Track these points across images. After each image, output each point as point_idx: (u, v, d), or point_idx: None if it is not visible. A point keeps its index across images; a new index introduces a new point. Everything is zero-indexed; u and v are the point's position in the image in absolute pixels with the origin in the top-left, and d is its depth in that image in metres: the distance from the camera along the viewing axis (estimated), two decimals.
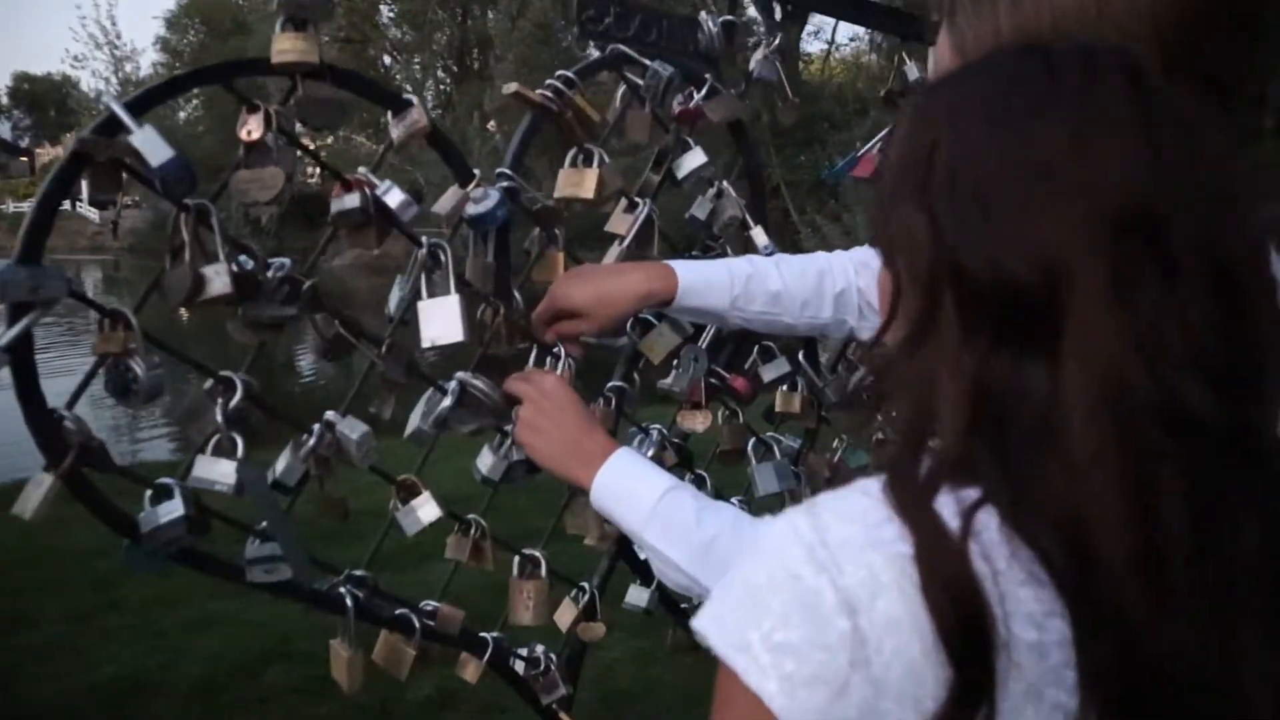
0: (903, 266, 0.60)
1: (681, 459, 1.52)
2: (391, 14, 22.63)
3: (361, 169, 1.13)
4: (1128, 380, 0.49)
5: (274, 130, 1.02)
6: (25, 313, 0.90)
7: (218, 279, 0.97)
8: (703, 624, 0.54)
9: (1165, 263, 0.50)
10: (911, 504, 0.52)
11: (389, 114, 1.15)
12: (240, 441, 1.03)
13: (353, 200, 1.09)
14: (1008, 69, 0.56)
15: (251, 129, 1.02)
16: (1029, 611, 0.49)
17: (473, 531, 1.30)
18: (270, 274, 1.05)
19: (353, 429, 1.10)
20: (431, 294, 1.15)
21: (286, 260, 1.08)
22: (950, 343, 0.55)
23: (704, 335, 1.50)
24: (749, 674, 0.50)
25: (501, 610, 1.36)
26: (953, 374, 0.55)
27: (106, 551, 3.80)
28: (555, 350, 1.22)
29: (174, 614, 3.54)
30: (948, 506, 0.52)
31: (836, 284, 1.20)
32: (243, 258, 1.03)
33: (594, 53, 1.33)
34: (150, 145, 0.92)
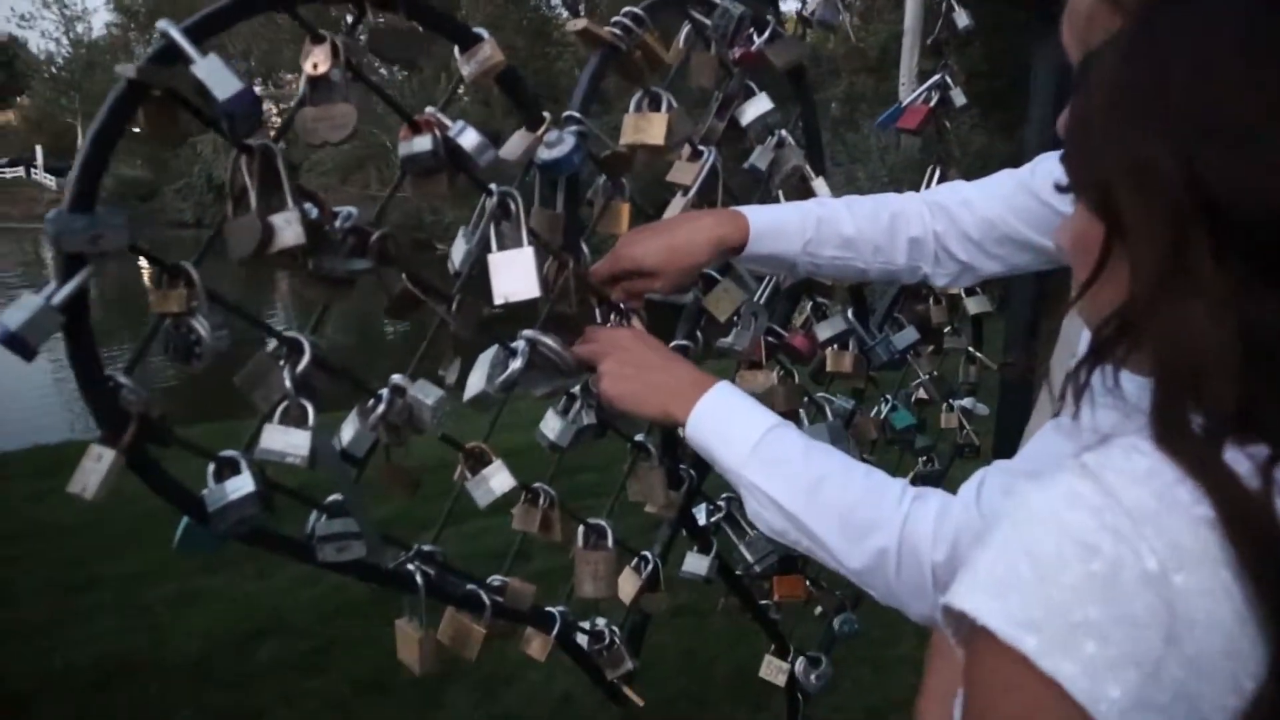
0: (1131, 204, 0.54)
1: None
2: None
3: (430, 108, 1.02)
4: None
5: (341, 64, 0.92)
6: (80, 266, 0.79)
7: (289, 228, 0.87)
8: (975, 601, 0.48)
9: None
10: (1202, 462, 0.47)
11: (457, 50, 1.04)
12: (311, 409, 0.93)
13: (423, 143, 0.99)
14: None
15: (318, 61, 0.92)
16: None
17: (541, 501, 1.22)
18: (337, 224, 0.95)
19: (426, 393, 1.02)
20: (501, 246, 1.06)
21: (353, 209, 0.98)
22: (1208, 285, 0.50)
23: (760, 291, 1.46)
24: (1044, 656, 0.45)
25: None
26: (1216, 319, 0.50)
27: (89, 526, 3.68)
28: (621, 307, 1.16)
29: (158, 589, 3.43)
30: (1240, 463, 0.47)
31: (911, 228, 1.15)
32: (308, 205, 0.93)
33: (563, 12, 1.23)
34: (216, 77, 0.82)
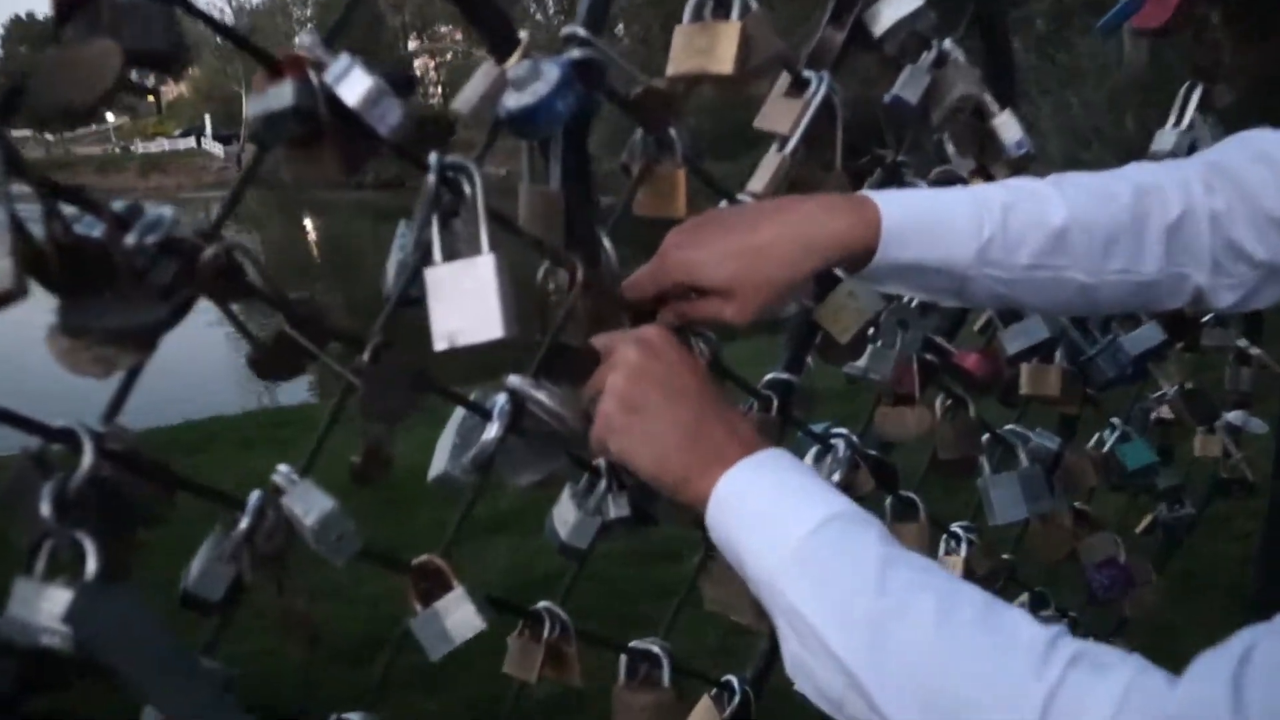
0: None
1: (883, 480, 1.06)
2: None
3: (303, 38, 0.62)
4: None
5: None
6: None
7: None
8: None
9: None
10: None
11: None
12: (93, 550, 0.57)
13: (281, 95, 0.60)
14: None
15: None
16: None
17: (548, 630, 0.82)
18: (131, 238, 0.57)
19: (308, 505, 0.64)
20: (450, 254, 0.70)
21: (166, 211, 0.59)
22: None
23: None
24: None
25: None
26: None
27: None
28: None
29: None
30: None
31: (1169, 209, 0.72)
32: (71, 211, 0.55)
33: None
34: None
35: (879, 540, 0.58)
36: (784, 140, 0.88)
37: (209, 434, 4.83)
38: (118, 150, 43.54)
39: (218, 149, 38.72)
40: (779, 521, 0.60)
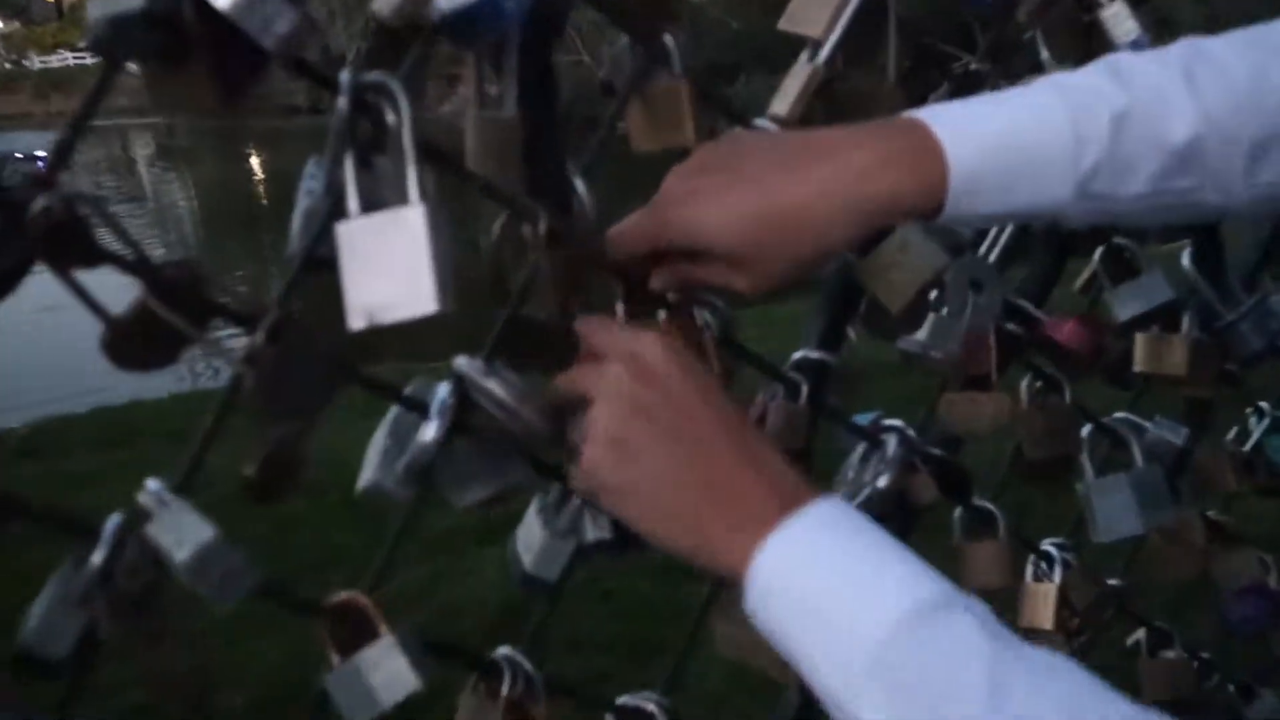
0: None
1: (950, 486, 1.09)
2: None
3: None
4: None
5: None
6: None
7: None
8: None
9: None
10: None
11: None
12: None
13: None
14: None
15: None
16: None
17: (508, 684, 0.82)
18: None
19: (178, 531, 0.65)
20: (371, 203, 0.69)
21: None
22: None
23: (987, 238, 1.08)
24: None
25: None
26: None
27: None
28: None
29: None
30: None
31: None
32: None
33: None
34: None
35: (983, 634, 0.56)
36: (815, 45, 0.87)
37: (129, 426, 4.89)
38: (8, 65, 43.87)
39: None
40: (847, 616, 0.58)
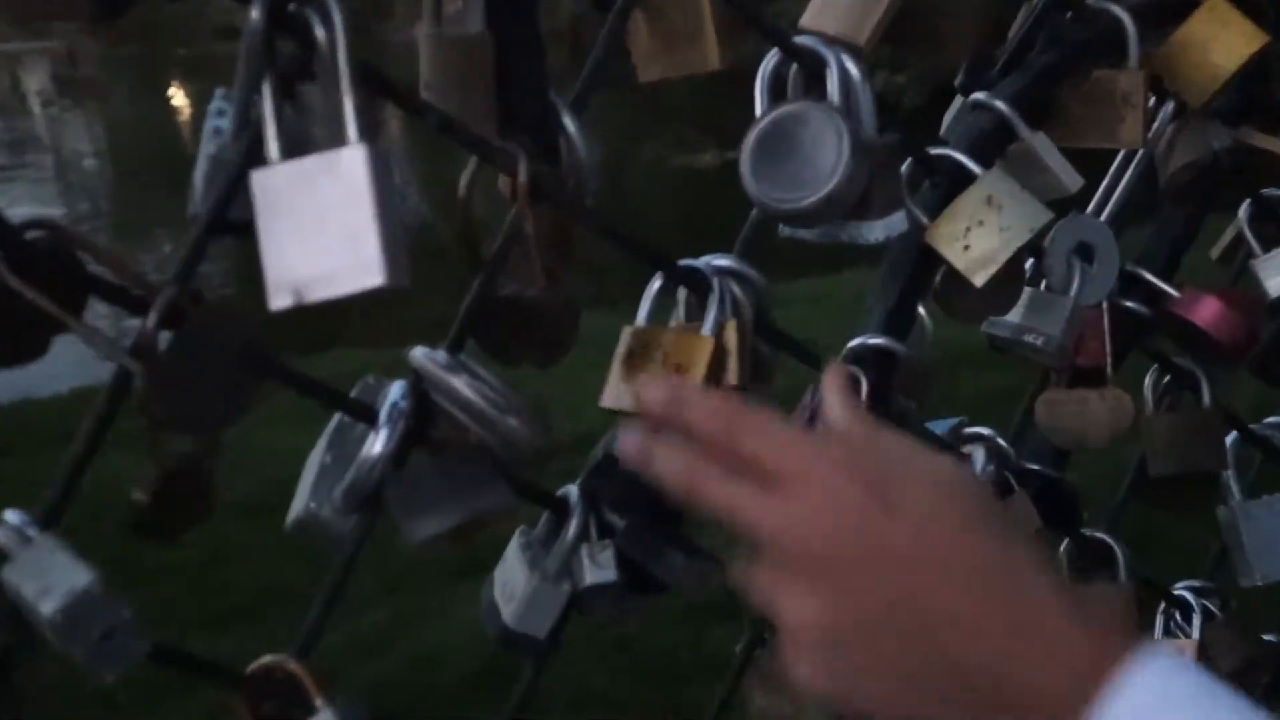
0: None
1: (1054, 511, 1.13)
2: None
3: None
4: None
5: None
6: None
7: None
8: None
9: None
10: None
11: None
12: None
13: None
14: None
15: None
16: None
17: None
18: None
19: (44, 577, 0.66)
20: (293, 145, 0.72)
21: None
22: None
23: (1095, 199, 1.17)
24: None
25: None
26: None
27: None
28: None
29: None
30: None
31: None
32: None
33: None
34: None
35: None
36: None
37: (17, 425, 4.96)
38: None
39: None
40: None
